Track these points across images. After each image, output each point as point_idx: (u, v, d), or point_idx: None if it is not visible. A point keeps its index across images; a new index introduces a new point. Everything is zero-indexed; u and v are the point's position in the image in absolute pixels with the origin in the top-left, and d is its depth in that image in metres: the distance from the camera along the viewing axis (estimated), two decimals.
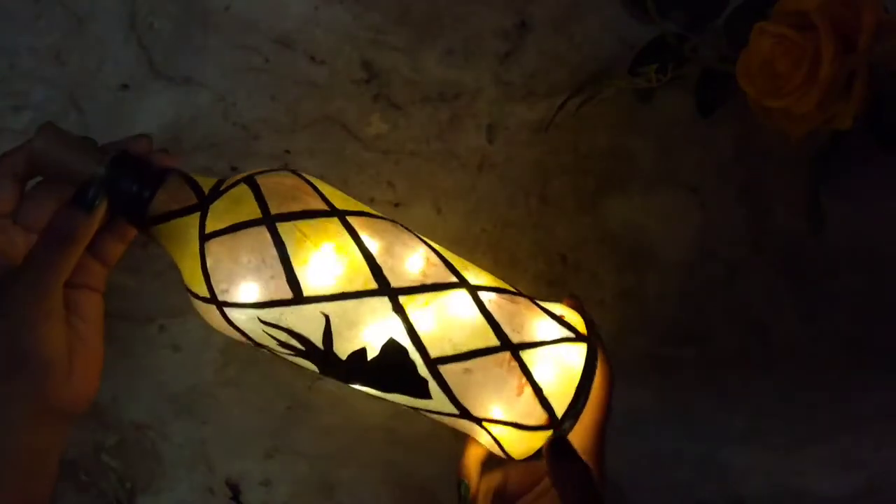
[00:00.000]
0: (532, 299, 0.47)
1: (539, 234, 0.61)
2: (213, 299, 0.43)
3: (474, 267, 0.48)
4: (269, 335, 0.44)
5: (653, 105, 0.60)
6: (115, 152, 0.45)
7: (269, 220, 0.44)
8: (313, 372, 0.46)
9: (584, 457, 0.45)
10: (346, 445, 0.60)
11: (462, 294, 0.45)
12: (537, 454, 0.45)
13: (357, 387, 0.46)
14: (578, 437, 0.46)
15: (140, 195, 0.45)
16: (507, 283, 0.47)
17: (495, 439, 0.46)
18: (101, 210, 0.44)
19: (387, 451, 0.60)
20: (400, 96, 0.61)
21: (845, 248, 0.60)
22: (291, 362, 0.46)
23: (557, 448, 0.44)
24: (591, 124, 0.60)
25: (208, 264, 0.43)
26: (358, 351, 0.44)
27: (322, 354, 0.44)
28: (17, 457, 0.45)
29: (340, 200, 0.46)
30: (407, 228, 0.47)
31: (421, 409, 0.46)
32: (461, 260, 0.48)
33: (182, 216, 0.45)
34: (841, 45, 0.50)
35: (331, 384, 0.60)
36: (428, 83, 0.61)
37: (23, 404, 0.45)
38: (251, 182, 0.44)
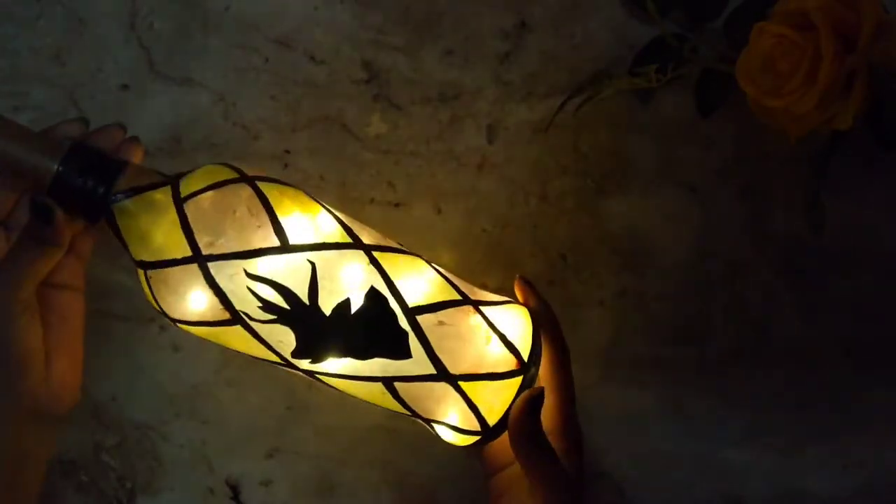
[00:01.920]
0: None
1: (539, 234, 0.61)
2: (195, 257, 0.43)
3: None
4: (253, 293, 0.43)
5: (653, 105, 0.60)
6: (67, 146, 0.44)
7: (248, 179, 0.45)
8: (283, 362, 0.45)
9: (555, 436, 0.46)
10: (346, 445, 0.60)
11: (419, 261, 0.48)
12: (497, 431, 0.46)
13: (331, 368, 0.46)
14: (546, 416, 0.46)
15: (94, 190, 0.44)
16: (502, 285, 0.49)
17: (471, 404, 0.46)
18: (60, 217, 0.44)
19: (387, 451, 0.60)
20: (400, 96, 0.61)
21: (845, 248, 0.60)
22: (257, 352, 0.46)
23: (531, 396, 0.45)
24: (591, 124, 0.60)
25: (190, 220, 0.43)
26: (343, 302, 0.44)
27: (305, 312, 0.44)
28: None
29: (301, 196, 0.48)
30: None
31: (399, 384, 0.46)
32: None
33: (152, 189, 0.45)
34: (841, 45, 0.50)
35: None
36: (428, 83, 0.61)
37: (1, 401, 0.44)
38: (220, 162, 0.46)
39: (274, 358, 0.46)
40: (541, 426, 0.45)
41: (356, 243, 0.46)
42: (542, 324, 0.48)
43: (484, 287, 0.51)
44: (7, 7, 0.60)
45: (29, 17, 0.60)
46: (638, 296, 0.61)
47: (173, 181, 0.45)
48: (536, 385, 0.47)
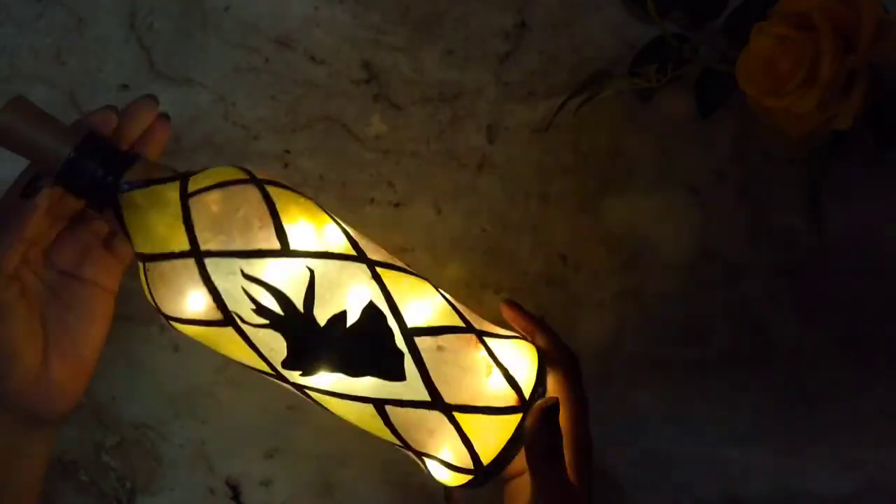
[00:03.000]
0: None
1: (539, 234, 0.61)
2: (192, 252, 0.42)
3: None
4: (248, 295, 0.43)
5: (653, 105, 0.60)
6: (83, 132, 0.44)
7: (258, 181, 0.44)
8: (273, 372, 0.44)
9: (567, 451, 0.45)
10: (346, 445, 0.60)
11: (426, 284, 0.47)
12: (491, 472, 0.44)
13: (321, 383, 0.45)
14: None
15: (104, 179, 0.44)
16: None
17: (465, 438, 0.44)
18: (44, 200, 0.43)
19: (387, 451, 0.60)
20: (400, 96, 0.61)
21: (845, 248, 0.60)
22: (247, 360, 0.45)
23: (548, 412, 0.44)
24: (591, 124, 0.60)
25: (192, 215, 0.43)
26: (338, 314, 0.43)
27: (299, 319, 0.43)
28: None
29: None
30: None
31: (391, 408, 0.44)
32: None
33: (160, 183, 0.44)
34: (841, 45, 0.50)
35: None
36: (428, 83, 0.61)
37: None
38: (232, 165, 0.46)
39: (264, 367, 0.45)
40: (556, 439, 0.43)
41: (360, 257, 0.45)
42: (551, 349, 0.47)
43: (497, 323, 0.49)
44: (7, 7, 0.60)
45: (29, 17, 0.60)
46: (638, 296, 0.61)
47: (183, 177, 0.45)
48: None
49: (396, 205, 0.60)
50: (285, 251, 0.43)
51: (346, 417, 0.46)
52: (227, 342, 0.45)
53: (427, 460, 0.46)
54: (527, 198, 0.61)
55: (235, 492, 0.60)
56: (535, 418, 0.43)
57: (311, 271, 0.43)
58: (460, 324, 0.45)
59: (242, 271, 0.42)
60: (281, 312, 0.43)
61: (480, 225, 0.61)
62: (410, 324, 0.44)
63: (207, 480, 0.60)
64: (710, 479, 0.61)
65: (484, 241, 0.61)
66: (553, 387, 0.46)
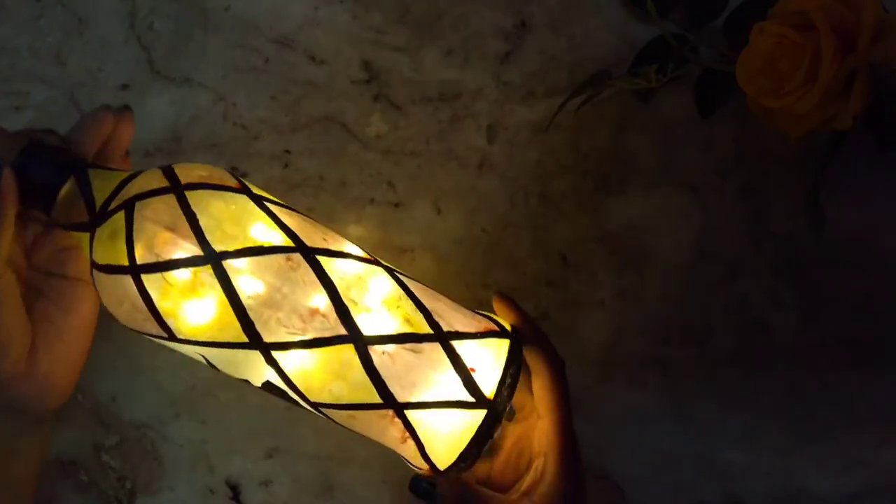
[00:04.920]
0: (452, 335, 0.44)
1: (539, 234, 0.61)
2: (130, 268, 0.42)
3: (423, 288, 0.46)
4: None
5: (653, 105, 0.60)
6: (27, 140, 0.44)
7: (134, 271, 0.42)
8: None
9: (552, 457, 0.44)
10: (346, 445, 0.60)
11: (347, 349, 0.42)
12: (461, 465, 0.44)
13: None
14: (542, 437, 0.45)
15: (46, 188, 0.43)
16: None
17: (417, 440, 0.44)
18: (9, 178, 0.42)
19: (387, 451, 0.60)
20: (400, 96, 0.61)
21: (845, 248, 0.60)
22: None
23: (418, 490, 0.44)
24: (591, 124, 0.60)
25: (134, 234, 0.42)
26: (243, 380, 0.44)
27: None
28: None
29: (231, 223, 0.43)
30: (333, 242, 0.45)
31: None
32: (422, 287, 0.46)
33: (75, 230, 0.44)
34: (841, 45, 0.50)
35: None
36: (428, 83, 0.61)
37: None
38: (129, 209, 0.42)
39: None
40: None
41: (251, 343, 0.42)
42: (530, 342, 0.46)
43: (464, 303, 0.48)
44: (7, 7, 0.60)
45: (29, 17, 0.60)
46: (638, 296, 0.61)
47: (91, 229, 0.43)
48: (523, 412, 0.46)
49: (396, 205, 0.60)
50: (173, 338, 0.43)
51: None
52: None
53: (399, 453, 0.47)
54: (527, 198, 0.61)
55: (235, 492, 0.60)
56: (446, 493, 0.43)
57: (205, 357, 0.44)
58: (377, 400, 0.43)
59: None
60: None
61: (480, 225, 0.61)
62: (315, 399, 0.43)
63: (207, 480, 0.60)
64: (710, 479, 0.61)
65: (484, 241, 0.60)
66: (538, 393, 0.46)
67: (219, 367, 0.44)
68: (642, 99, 0.60)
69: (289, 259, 0.42)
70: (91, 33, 0.60)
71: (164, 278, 0.41)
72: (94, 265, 0.43)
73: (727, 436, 0.61)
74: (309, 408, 0.44)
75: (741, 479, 0.61)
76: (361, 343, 0.42)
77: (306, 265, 0.43)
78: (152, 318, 0.42)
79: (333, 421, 0.45)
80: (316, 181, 0.60)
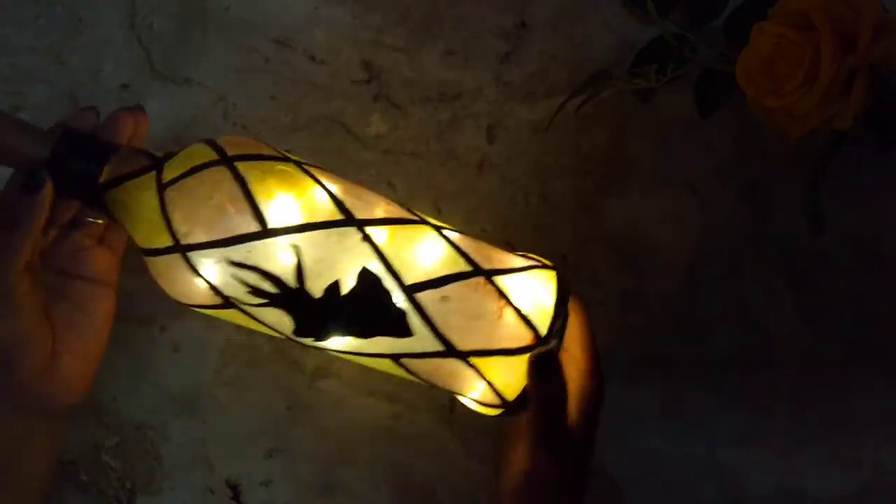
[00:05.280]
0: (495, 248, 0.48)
1: (539, 234, 0.61)
2: (175, 247, 0.42)
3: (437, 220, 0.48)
4: (239, 280, 0.42)
5: (653, 105, 0.60)
6: (60, 132, 0.44)
7: (228, 161, 0.43)
8: (289, 338, 0.45)
9: (579, 401, 0.46)
10: (346, 445, 0.60)
11: (426, 229, 0.45)
12: (518, 405, 0.45)
13: (337, 345, 0.45)
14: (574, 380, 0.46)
15: (87, 172, 0.44)
16: None
17: (486, 380, 0.45)
18: (48, 191, 0.43)
19: (387, 451, 0.60)
20: (400, 96, 0.61)
21: (845, 248, 0.60)
22: (265, 330, 0.45)
23: (542, 362, 0.44)
24: (591, 124, 0.60)
25: (168, 210, 0.42)
26: (332, 285, 0.43)
27: (295, 294, 0.43)
28: None
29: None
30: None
31: (407, 360, 0.45)
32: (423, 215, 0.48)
33: (136, 177, 0.44)
34: (841, 45, 0.50)
35: (331, 384, 0.60)
36: (428, 83, 0.61)
37: None
38: (207, 140, 0.45)
39: (281, 335, 0.45)
40: (556, 387, 0.45)
41: (348, 220, 0.44)
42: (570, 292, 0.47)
43: (510, 248, 0.49)
44: (7, 7, 0.60)
45: (29, 17, 0.60)
46: (638, 296, 0.61)
47: (158, 165, 0.44)
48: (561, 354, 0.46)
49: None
50: (265, 232, 0.42)
51: (371, 367, 0.47)
52: (242, 318, 0.45)
53: (458, 397, 0.47)
54: (527, 198, 0.61)
55: (235, 492, 0.60)
56: (531, 370, 0.44)
57: (297, 247, 0.43)
58: (467, 268, 0.45)
59: (228, 259, 0.42)
60: (275, 290, 0.43)
61: (480, 225, 0.61)
62: (410, 280, 0.44)
63: (207, 480, 0.60)
64: (710, 479, 0.61)
65: (484, 241, 0.60)
66: (571, 333, 0.47)
67: (308, 262, 0.43)
68: (642, 99, 0.60)
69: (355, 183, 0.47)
70: (91, 33, 0.60)
71: (256, 167, 0.43)
72: (172, 181, 0.43)
73: (727, 436, 0.61)
74: (402, 299, 0.43)
75: (741, 479, 0.61)
76: (435, 226, 0.46)
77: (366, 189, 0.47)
78: (247, 207, 0.42)
79: (425, 319, 0.44)
80: None
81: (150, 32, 0.60)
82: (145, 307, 0.60)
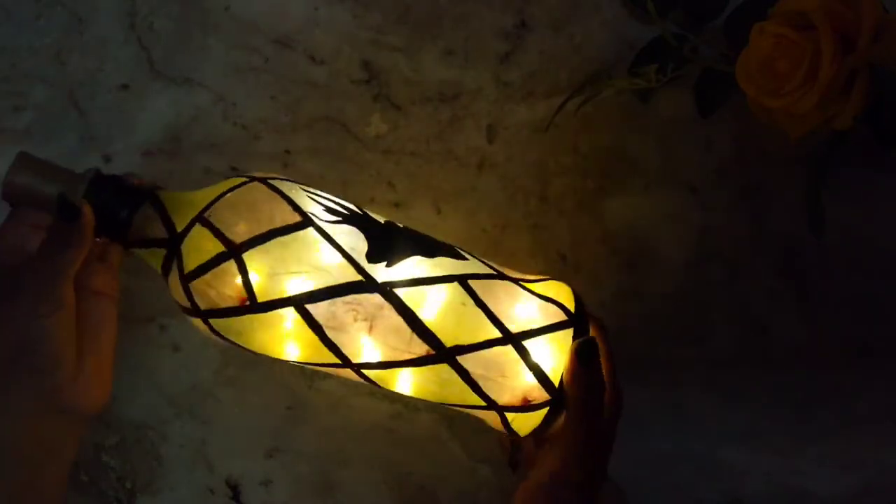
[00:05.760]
0: (516, 281, 0.49)
1: (539, 234, 0.61)
2: (230, 252, 0.45)
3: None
4: (314, 198, 0.48)
5: (653, 105, 0.60)
6: (90, 176, 0.46)
7: (236, 251, 0.45)
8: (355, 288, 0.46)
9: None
10: (346, 445, 0.60)
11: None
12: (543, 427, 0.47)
13: (406, 275, 0.46)
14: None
15: (117, 216, 0.46)
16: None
17: (546, 299, 0.48)
18: (89, 215, 0.46)
19: (387, 451, 0.60)
20: (400, 96, 0.61)
21: (845, 248, 0.60)
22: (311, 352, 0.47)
23: (585, 348, 0.47)
24: (591, 124, 0.60)
25: (216, 223, 0.45)
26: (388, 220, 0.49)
27: (366, 219, 0.48)
28: (18, 445, 0.45)
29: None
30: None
31: (472, 283, 0.47)
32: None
33: (153, 247, 0.47)
34: (841, 45, 0.50)
35: (331, 384, 0.60)
36: (428, 83, 0.61)
37: (29, 393, 0.45)
38: (207, 224, 0.46)
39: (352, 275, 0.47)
40: (596, 373, 0.46)
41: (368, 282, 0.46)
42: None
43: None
44: (7, 7, 0.60)
45: (29, 17, 0.60)
46: (638, 296, 0.61)
47: (174, 245, 0.46)
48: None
49: (396, 205, 0.60)
50: (307, 222, 0.45)
51: (428, 394, 0.47)
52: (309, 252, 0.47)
53: (526, 343, 0.47)
54: (527, 198, 0.61)
55: (235, 492, 0.60)
56: (574, 357, 0.46)
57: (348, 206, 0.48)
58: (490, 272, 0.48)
59: (305, 191, 0.48)
60: (347, 212, 0.47)
61: (480, 225, 0.61)
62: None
63: (207, 480, 0.60)
64: (710, 479, 0.61)
65: (484, 241, 0.60)
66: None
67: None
68: (642, 99, 0.60)
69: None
70: (91, 33, 0.60)
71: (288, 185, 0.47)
72: (187, 276, 0.45)
73: (727, 436, 0.61)
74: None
75: (741, 479, 0.61)
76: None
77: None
78: (289, 208, 0.46)
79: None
80: (316, 181, 0.60)
81: (150, 32, 0.60)
82: (145, 307, 0.60)
